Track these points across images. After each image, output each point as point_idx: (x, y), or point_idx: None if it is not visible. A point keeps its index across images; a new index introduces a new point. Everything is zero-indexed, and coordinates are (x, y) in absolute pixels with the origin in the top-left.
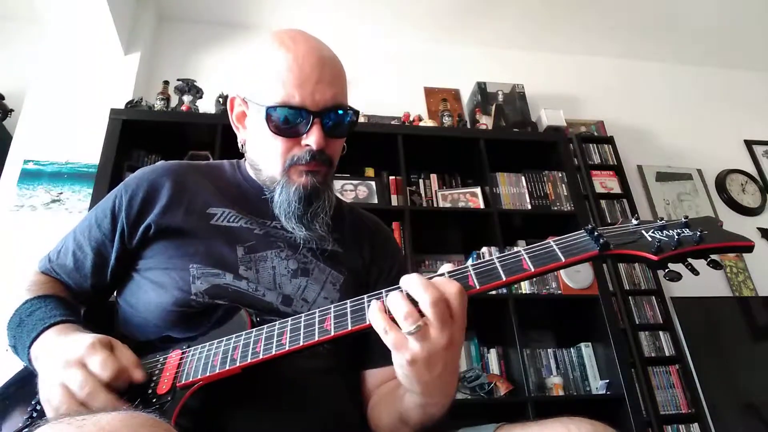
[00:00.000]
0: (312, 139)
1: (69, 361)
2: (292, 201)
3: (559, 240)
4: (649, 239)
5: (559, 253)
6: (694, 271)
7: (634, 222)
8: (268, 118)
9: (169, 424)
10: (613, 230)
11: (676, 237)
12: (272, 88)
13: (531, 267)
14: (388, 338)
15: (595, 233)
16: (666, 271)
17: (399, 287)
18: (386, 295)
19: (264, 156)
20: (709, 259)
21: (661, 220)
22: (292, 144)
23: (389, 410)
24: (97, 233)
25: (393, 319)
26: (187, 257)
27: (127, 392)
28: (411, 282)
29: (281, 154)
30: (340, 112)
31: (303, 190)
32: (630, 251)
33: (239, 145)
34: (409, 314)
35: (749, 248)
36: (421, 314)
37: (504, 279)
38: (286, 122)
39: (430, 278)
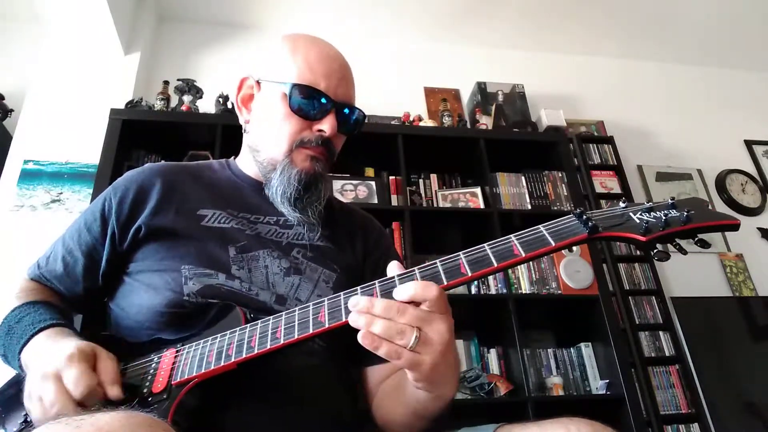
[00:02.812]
0: (327, 125)
1: (46, 373)
2: (292, 182)
3: (548, 225)
4: (637, 221)
5: (549, 238)
6: (682, 251)
7: (622, 204)
8: (291, 95)
9: (166, 423)
10: (602, 213)
11: (664, 218)
12: (300, 71)
13: (522, 252)
14: (402, 361)
15: (584, 217)
16: (654, 251)
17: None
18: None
19: (269, 136)
20: (696, 239)
21: (648, 202)
22: (304, 126)
23: (402, 407)
24: (87, 237)
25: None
26: (178, 258)
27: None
28: (379, 306)
29: (291, 133)
30: (355, 110)
31: (305, 175)
32: (618, 233)
33: (242, 124)
34: (401, 330)
35: (735, 226)
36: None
37: (495, 265)
38: (307, 104)
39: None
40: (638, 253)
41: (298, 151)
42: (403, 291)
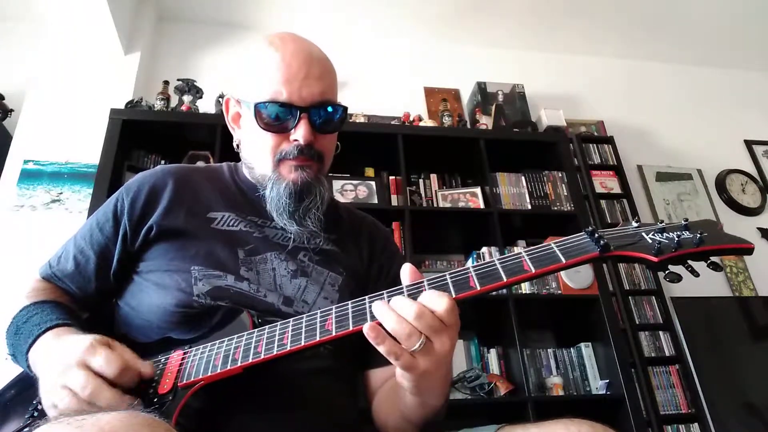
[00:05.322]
0: (299, 133)
1: (69, 363)
2: (282, 197)
3: (559, 242)
4: (650, 241)
5: (560, 255)
6: (694, 273)
7: (635, 224)
8: (258, 114)
9: (168, 424)
10: (614, 232)
11: (676, 239)
12: (261, 86)
13: (532, 268)
14: (399, 362)
15: (596, 235)
16: (666, 272)
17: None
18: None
19: (255, 153)
20: (708, 261)
21: (661, 223)
22: (281, 139)
23: (393, 411)
24: (99, 236)
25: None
26: (188, 259)
27: (133, 389)
28: (400, 305)
29: (271, 149)
30: (330, 108)
31: (293, 186)
32: (630, 253)
33: (234, 145)
34: (411, 333)
35: (749, 250)
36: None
37: (505, 280)
38: (275, 118)
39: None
40: None
41: (283, 163)
42: (419, 298)
